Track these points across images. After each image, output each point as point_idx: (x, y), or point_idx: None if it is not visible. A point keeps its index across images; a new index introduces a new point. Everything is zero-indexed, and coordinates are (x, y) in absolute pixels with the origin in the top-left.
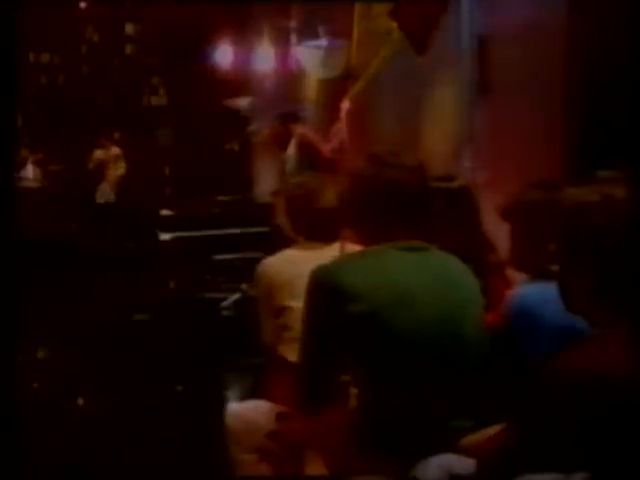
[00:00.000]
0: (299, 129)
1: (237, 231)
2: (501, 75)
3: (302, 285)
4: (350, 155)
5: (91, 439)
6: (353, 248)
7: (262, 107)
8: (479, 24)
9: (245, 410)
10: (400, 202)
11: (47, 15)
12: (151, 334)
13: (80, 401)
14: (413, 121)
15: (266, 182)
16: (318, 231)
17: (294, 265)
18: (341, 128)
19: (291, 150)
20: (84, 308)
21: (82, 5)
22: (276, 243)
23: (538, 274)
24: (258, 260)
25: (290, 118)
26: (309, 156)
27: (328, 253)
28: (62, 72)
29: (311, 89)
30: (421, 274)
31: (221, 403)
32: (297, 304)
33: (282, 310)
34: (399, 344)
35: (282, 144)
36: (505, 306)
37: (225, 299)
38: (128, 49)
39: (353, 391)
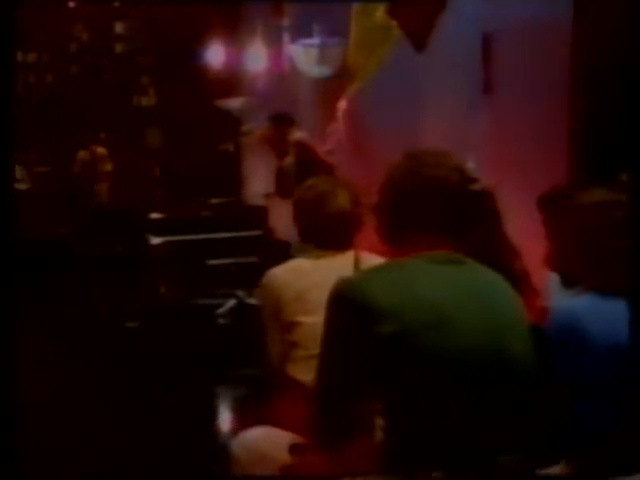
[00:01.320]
0: (296, 135)
1: (229, 235)
2: (505, 75)
3: (314, 298)
4: (347, 157)
5: (80, 448)
6: (369, 257)
7: (254, 108)
8: (483, 21)
9: (254, 440)
10: (437, 207)
11: (35, 13)
12: (142, 343)
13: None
14: (413, 122)
15: (258, 184)
16: (330, 238)
17: (305, 276)
18: (337, 129)
19: (290, 159)
20: (70, 315)
21: (71, 3)
22: (270, 247)
23: (591, 285)
24: (253, 265)
25: (283, 120)
26: (309, 165)
27: (341, 262)
28: (50, 71)
29: (305, 89)
30: (459, 291)
31: (213, 416)
32: (309, 319)
33: (292, 326)
34: (434, 370)
35: (274, 145)
36: (546, 320)
37: (220, 306)
38: (118, 48)
39: (379, 422)
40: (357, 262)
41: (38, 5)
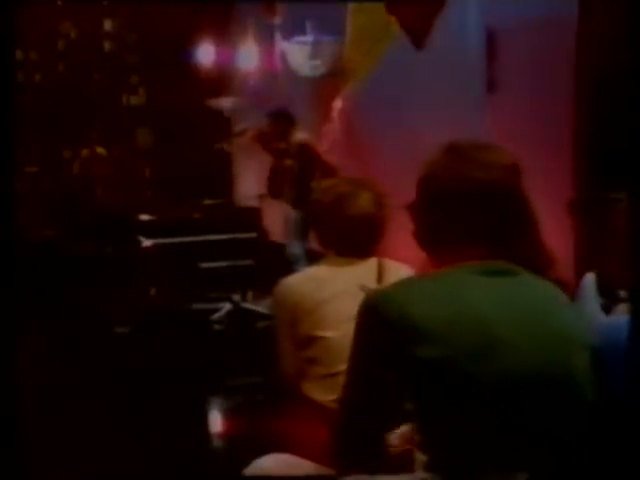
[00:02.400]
0: (299, 137)
1: (223, 237)
2: (510, 74)
3: (334, 310)
4: (343, 158)
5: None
6: (393, 265)
7: (246, 107)
8: (487, 17)
9: (267, 470)
10: (486, 211)
11: (22, 10)
12: (132, 349)
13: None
14: (412, 122)
15: (252, 185)
16: (351, 244)
17: (324, 286)
18: (333, 129)
19: (290, 162)
20: (57, 321)
21: (59, 1)
22: (265, 249)
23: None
24: (247, 268)
25: (282, 118)
26: (311, 166)
27: (363, 271)
28: (37, 70)
29: (298, 88)
30: (513, 307)
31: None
32: (328, 333)
33: (309, 340)
34: (483, 399)
35: (270, 144)
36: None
37: (215, 310)
38: (107, 46)
39: (419, 457)
40: (381, 270)
41: (24, 2)
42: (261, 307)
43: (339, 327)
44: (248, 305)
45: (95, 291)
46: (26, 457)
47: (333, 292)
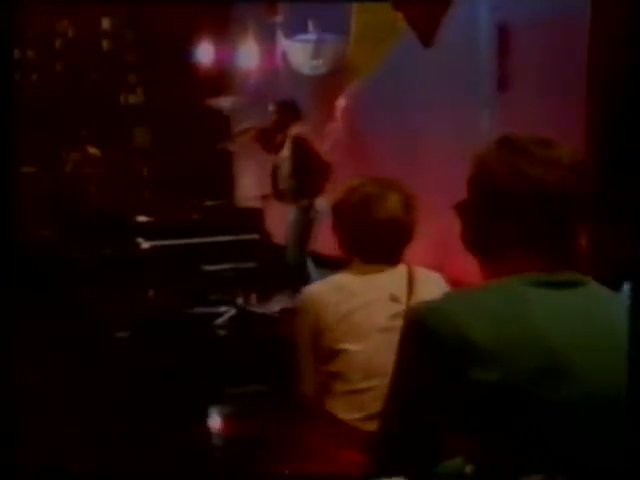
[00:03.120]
0: (295, 130)
1: (225, 239)
2: (522, 71)
3: (361, 321)
4: (345, 158)
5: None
6: (424, 273)
7: (246, 106)
8: (498, 13)
9: None
10: (545, 213)
11: (21, 10)
12: (132, 355)
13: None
14: (418, 123)
15: (254, 186)
16: (379, 250)
17: (350, 295)
18: (335, 128)
19: (285, 152)
20: (53, 325)
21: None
22: (268, 252)
23: None
24: (250, 271)
25: (289, 109)
26: (305, 160)
27: (392, 279)
28: (34, 69)
29: (300, 87)
30: (580, 325)
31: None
32: (355, 347)
33: (334, 354)
34: (545, 427)
35: (267, 144)
36: None
37: (217, 315)
38: (105, 45)
39: None
40: (411, 278)
41: (26, 3)
42: (266, 311)
43: (366, 340)
44: (253, 309)
45: (93, 295)
46: (23, 458)
47: (360, 302)
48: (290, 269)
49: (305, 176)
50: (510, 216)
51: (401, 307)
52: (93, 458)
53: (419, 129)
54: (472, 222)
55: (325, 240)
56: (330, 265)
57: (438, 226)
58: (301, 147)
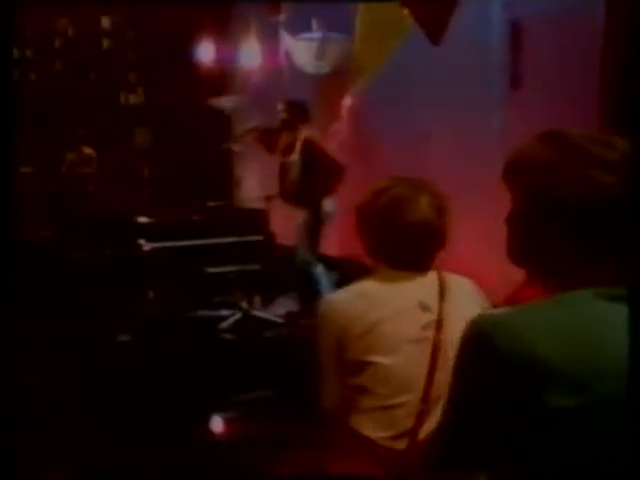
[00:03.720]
0: (306, 132)
1: (228, 240)
2: (536, 69)
3: (390, 332)
4: (351, 159)
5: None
6: (456, 280)
7: (248, 106)
8: (511, 9)
9: None
10: (613, 225)
11: (21, 9)
12: (134, 359)
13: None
14: (426, 122)
15: (259, 186)
16: (409, 255)
17: (378, 304)
18: (341, 128)
19: (296, 155)
20: (52, 329)
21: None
22: (273, 254)
23: None
24: (254, 273)
25: (298, 110)
26: (316, 163)
27: (422, 286)
28: (33, 68)
29: (303, 86)
30: None
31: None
32: (383, 359)
33: (360, 367)
34: (614, 460)
35: (270, 145)
36: None
37: (221, 318)
38: (105, 44)
39: None
40: (443, 286)
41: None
42: (271, 314)
43: (396, 352)
44: (258, 313)
45: (93, 297)
46: (22, 462)
47: (388, 312)
48: (299, 272)
49: (315, 179)
50: (580, 231)
51: (432, 317)
52: (93, 463)
53: (427, 129)
54: (526, 234)
55: (330, 242)
56: (335, 267)
57: None
58: (312, 150)
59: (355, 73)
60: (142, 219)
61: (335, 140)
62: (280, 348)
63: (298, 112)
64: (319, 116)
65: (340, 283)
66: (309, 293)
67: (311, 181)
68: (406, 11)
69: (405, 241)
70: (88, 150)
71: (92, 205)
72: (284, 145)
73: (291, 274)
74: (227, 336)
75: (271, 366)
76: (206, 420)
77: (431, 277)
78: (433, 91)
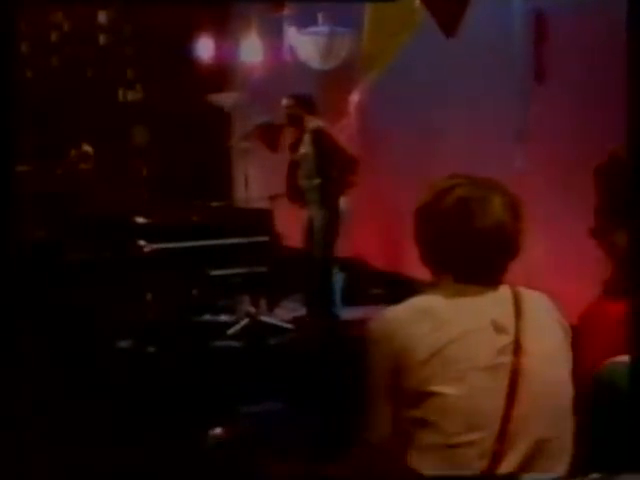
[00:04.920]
0: (314, 123)
1: (232, 241)
2: (561, 61)
3: (459, 357)
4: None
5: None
6: (529, 294)
7: (249, 103)
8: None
9: None
10: None
11: (21, 9)
12: (133, 367)
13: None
14: (440, 118)
15: (264, 185)
16: (479, 266)
17: (443, 324)
18: (348, 125)
19: (305, 148)
20: (47, 334)
21: None
22: (278, 255)
23: None
24: (261, 276)
25: (304, 102)
26: (328, 154)
27: (494, 303)
28: (29, 64)
29: (308, 82)
30: None
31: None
32: (450, 389)
33: (421, 397)
34: None
35: (272, 142)
36: None
37: (228, 324)
38: (102, 39)
39: None
40: (518, 302)
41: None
42: (280, 321)
43: (465, 381)
44: (267, 319)
45: (91, 301)
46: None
47: (456, 333)
48: (314, 274)
49: (330, 172)
50: None
51: (509, 339)
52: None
53: (439, 128)
54: None
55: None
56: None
57: None
58: (323, 141)
59: (363, 68)
60: (141, 219)
61: (343, 137)
62: (291, 356)
63: (304, 105)
64: (323, 112)
65: (348, 286)
66: (320, 298)
67: (326, 174)
68: (418, 2)
69: (475, 249)
70: (86, 147)
71: (89, 204)
72: (292, 140)
73: (299, 277)
74: (234, 343)
75: (282, 376)
76: (211, 434)
77: (503, 291)
78: (447, 88)
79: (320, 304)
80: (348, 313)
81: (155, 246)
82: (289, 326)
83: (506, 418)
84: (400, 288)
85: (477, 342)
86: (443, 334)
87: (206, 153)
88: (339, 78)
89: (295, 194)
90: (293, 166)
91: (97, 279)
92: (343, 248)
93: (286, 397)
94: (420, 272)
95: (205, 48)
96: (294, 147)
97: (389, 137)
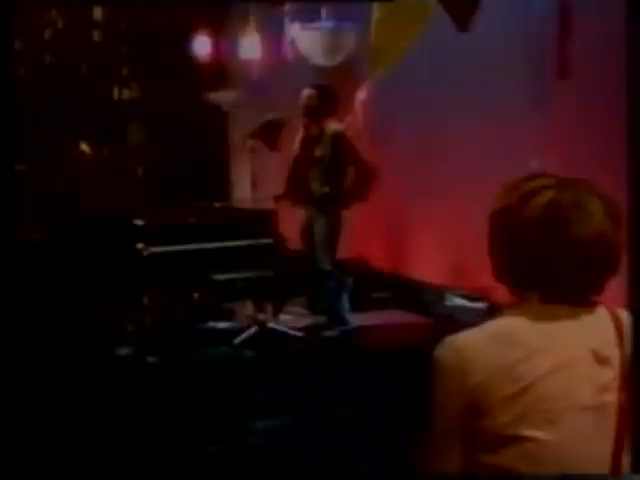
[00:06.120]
0: (335, 126)
1: (234, 244)
2: (587, 56)
3: (551, 394)
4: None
5: None
6: (626, 316)
7: (248, 101)
8: None
9: None
10: None
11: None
12: (133, 377)
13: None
14: (452, 117)
15: (267, 185)
16: (573, 284)
17: (534, 353)
18: (354, 123)
19: (322, 151)
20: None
21: None
22: (283, 258)
23: None
24: (266, 280)
25: (328, 95)
26: (344, 165)
27: (592, 328)
28: (21, 61)
29: (310, 78)
30: None
31: None
32: (543, 434)
33: (505, 441)
34: None
35: (271, 140)
36: None
37: (230, 332)
38: (96, 36)
39: None
40: (619, 328)
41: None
42: (289, 328)
43: (561, 423)
44: (277, 326)
45: (89, 306)
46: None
47: (549, 365)
48: (317, 279)
49: (343, 182)
50: None
51: (612, 373)
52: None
53: (448, 127)
54: None
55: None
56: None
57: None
58: (343, 147)
59: (371, 64)
60: (139, 221)
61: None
62: (303, 366)
63: (326, 98)
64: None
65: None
66: (328, 303)
67: (337, 183)
68: None
69: (569, 263)
70: (83, 146)
71: (85, 205)
72: (304, 135)
73: (304, 281)
74: (242, 353)
75: (294, 389)
76: (218, 451)
77: (602, 314)
78: (462, 86)
79: (329, 310)
80: (357, 319)
81: (155, 249)
82: (300, 334)
83: (615, 468)
84: (404, 290)
85: (575, 376)
86: (532, 366)
87: (206, 152)
88: (342, 75)
89: (298, 194)
90: (301, 164)
91: (93, 283)
92: (344, 250)
93: (297, 411)
94: (423, 274)
95: (203, 45)
96: (306, 144)
97: (393, 137)
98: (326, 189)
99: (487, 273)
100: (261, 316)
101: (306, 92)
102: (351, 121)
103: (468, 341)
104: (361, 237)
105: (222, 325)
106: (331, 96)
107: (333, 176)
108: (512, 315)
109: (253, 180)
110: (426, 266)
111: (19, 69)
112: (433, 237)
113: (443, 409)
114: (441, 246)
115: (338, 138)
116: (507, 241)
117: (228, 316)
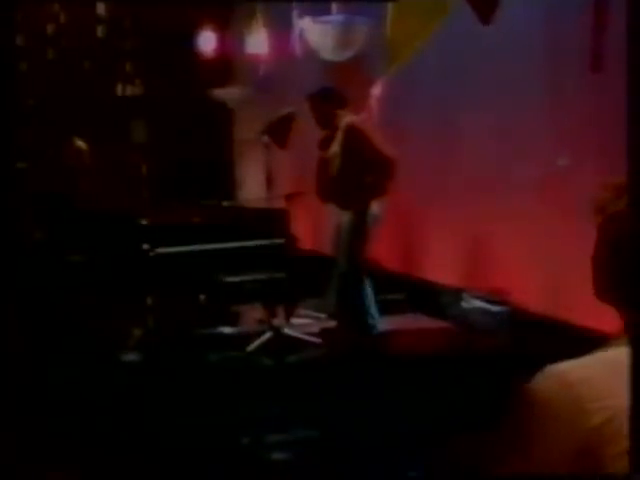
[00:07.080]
0: (346, 118)
1: (245, 244)
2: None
3: None
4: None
5: None
6: None
7: (254, 97)
8: None
9: None
10: None
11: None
12: (138, 385)
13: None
14: (472, 113)
15: (279, 183)
16: None
17: None
18: (369, 119)
19: (335, 147)
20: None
21: None
22: (295, 258)
23: None
24: (278, 283)
25: (329, 99)
26: (361, 154)
27: None
28: (24, 56)
29: (319, 74)
30: None
31: None
32: None
33: None
34: None
35: (280, 138)
36: None
37: (242, 337)
38: (100, 31)
39: None
40: None
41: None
42: (305, 333)
43: None
44: (292, 332)
45: (91, 310)
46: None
47: None
48: (340, 281)
49: (362, 175)
50: None
51: None
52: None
53: (467, 127)
54: None
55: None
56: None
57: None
58: (355, 139)
59: (386, 59)
60: (145, 221)
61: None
62: (321, 376)
63: (330, 100)
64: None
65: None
66: (351, 307)
67: (357, 177)
68: None
69: None
70: (79, 143)
71: (88, 205)
72: (322, 137)
73: (319, 283)
74: (256, 360)
75: (311, 399)
76: (230, 465)
77: None
78: (477, 85)
79: (351, 314)
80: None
81: (161, 250)
82: (317, 340)
83: None
84: (419, 293)
85: None
86: None
87: (211, 149)
88: (354, 70)
89: (327, 194)
90: (324, 164)
91: (96, 286)
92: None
93: (317, 423)
94: (436, 275)
95: (207, 40)
96: (324, 144)
97: (409, 133)
98: (346, 186)
99: (502, 274)
100: (276, 321)
101: (307, 105)
102: (366, 117)
103: (580, 375)
104: (374, 237)
105: (231, 330)
106: (331, 96)
107: (350, 171)
108: (627, 345)
109: (268, 178)
110: (441, 267)
111: (21, 65)
112: (448, 237)
113: (544, 453)
114: (456, 246)
115: (348, 131)
116: (618, 258)
117: (237, 320)
